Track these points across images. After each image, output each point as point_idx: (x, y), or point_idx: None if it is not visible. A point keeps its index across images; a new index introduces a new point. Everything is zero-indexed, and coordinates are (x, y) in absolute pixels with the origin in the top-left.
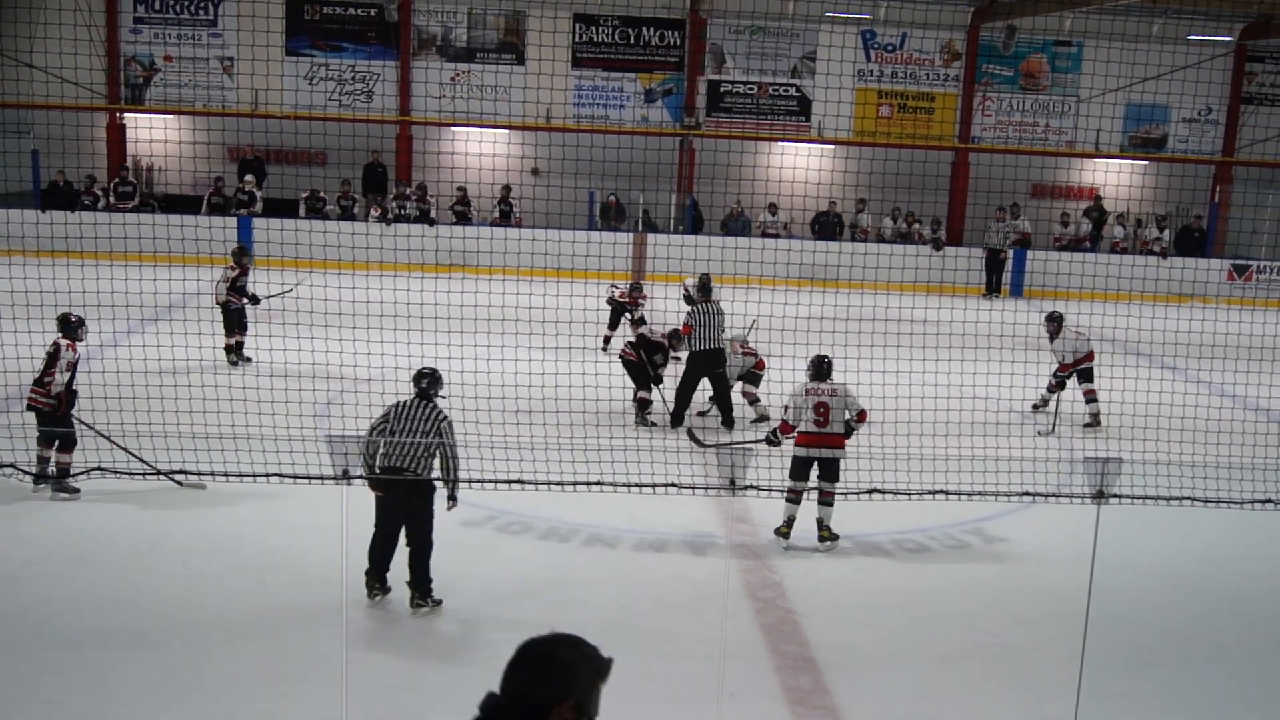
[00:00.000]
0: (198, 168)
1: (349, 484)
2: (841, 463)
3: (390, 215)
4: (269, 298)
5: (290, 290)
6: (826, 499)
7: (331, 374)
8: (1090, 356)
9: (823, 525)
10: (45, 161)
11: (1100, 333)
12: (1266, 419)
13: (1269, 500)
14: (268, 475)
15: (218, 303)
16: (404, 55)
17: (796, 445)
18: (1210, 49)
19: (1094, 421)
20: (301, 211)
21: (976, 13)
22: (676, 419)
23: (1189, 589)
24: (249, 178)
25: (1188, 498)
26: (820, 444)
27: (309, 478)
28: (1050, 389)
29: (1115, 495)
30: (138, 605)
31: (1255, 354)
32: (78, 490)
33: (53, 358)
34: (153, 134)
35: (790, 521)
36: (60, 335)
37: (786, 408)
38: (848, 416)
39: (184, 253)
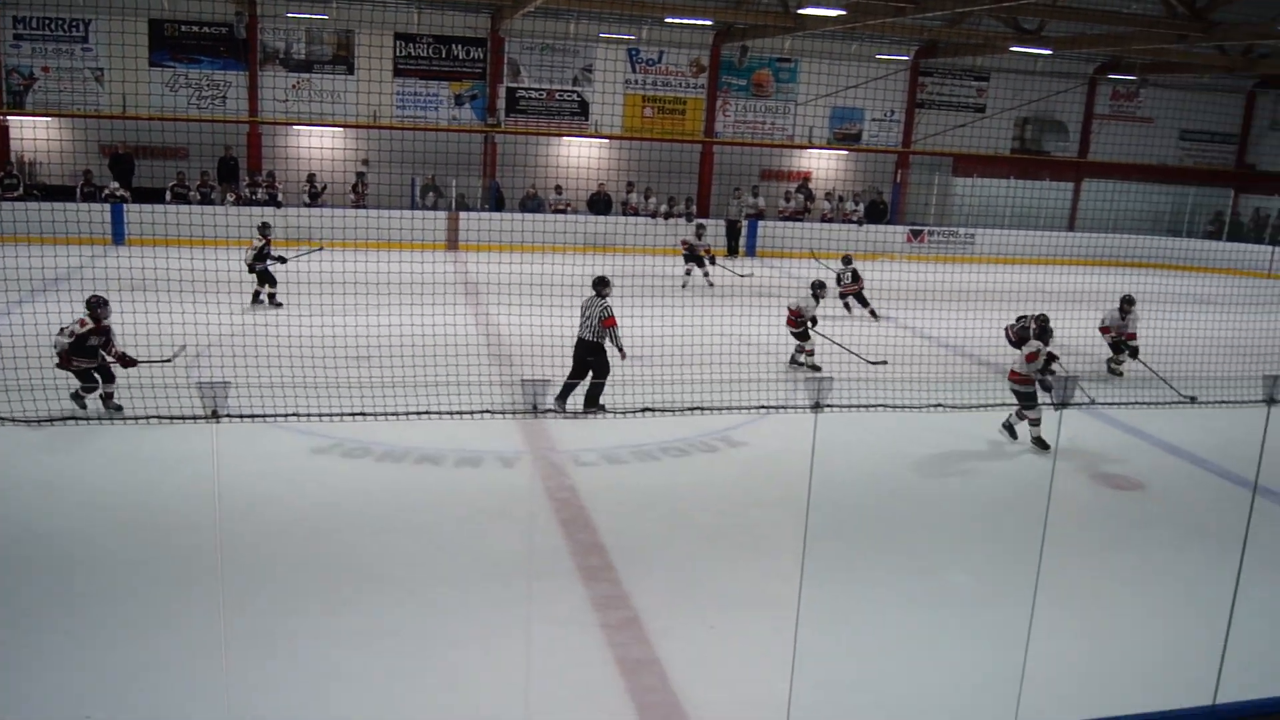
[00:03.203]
0: (76, 162)
1: (218, 422)
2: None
3: (243, 200)
4: (296, 258)
5: (317, 249)
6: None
7: (200, 331)
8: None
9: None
10: None
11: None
12: (936, 345)
13: (939, 405)
14: (147, 417)
15: (251, 267)
16: (252, 66)
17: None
18: (893, 65)
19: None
20: (168, 198)
21: (717, 35)
22: (559, 397)
23: (881, 473)
24: (114, 184)
25: (881, 405)
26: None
27: (183, 418)
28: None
29: (828, 405)
30: (29, 540)
31: (928, 297)
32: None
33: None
34: (35, 134)
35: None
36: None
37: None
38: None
39: (66, 234)
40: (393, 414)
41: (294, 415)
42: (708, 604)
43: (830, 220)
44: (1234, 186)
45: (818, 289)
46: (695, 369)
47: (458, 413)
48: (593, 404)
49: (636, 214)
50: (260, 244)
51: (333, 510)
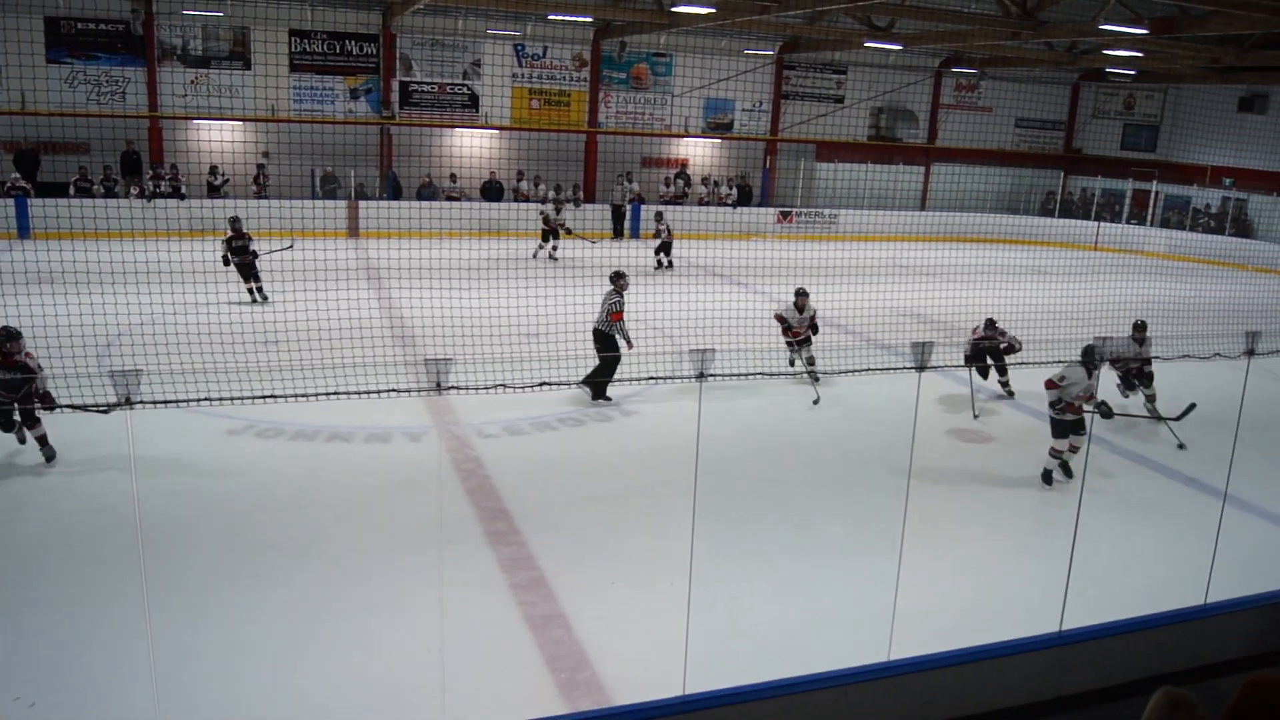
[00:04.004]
0: None
1: (131, 409)
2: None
3: (148, 192)
4: (269, 253)
5: (288, 246)
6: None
7: (109, 322)
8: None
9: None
10: None
11: (693, 262)
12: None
13: (810, 371)
14: (62, 406)
15: (226, 260)
16: (150, 62)
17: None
18: (760, 60)
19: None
20: (71, 192)
21: (598, 32)
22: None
23: (762, 437)
24: (15, 175)
25: (758, 373)
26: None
27: (97, 406)
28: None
29: (712, 375)
30: None
31: (798, 273)
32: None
33: None
34: None
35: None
36: None
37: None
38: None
39: None
40: (303, 395)
41: (205, 400)
42: (608, 561)
43: (706, 203)
44: (1063, 168)
45: (799, 295)
46: (588, 344)
47: (365, 392)
48: (599, 391)
49: (527, 200)
50: (228, 236)
51: (248, 488)
